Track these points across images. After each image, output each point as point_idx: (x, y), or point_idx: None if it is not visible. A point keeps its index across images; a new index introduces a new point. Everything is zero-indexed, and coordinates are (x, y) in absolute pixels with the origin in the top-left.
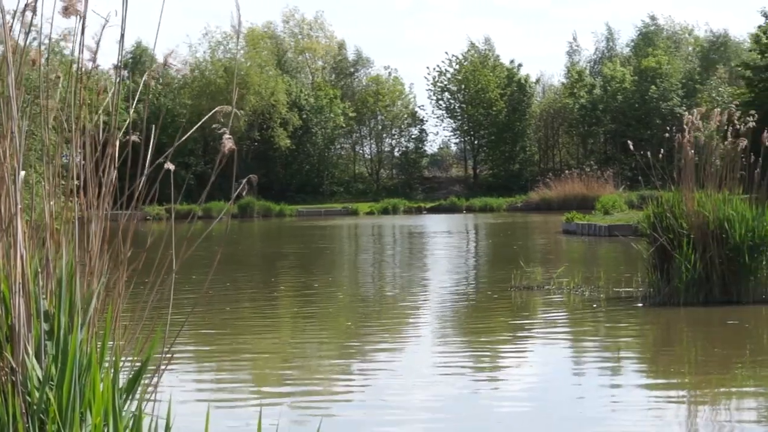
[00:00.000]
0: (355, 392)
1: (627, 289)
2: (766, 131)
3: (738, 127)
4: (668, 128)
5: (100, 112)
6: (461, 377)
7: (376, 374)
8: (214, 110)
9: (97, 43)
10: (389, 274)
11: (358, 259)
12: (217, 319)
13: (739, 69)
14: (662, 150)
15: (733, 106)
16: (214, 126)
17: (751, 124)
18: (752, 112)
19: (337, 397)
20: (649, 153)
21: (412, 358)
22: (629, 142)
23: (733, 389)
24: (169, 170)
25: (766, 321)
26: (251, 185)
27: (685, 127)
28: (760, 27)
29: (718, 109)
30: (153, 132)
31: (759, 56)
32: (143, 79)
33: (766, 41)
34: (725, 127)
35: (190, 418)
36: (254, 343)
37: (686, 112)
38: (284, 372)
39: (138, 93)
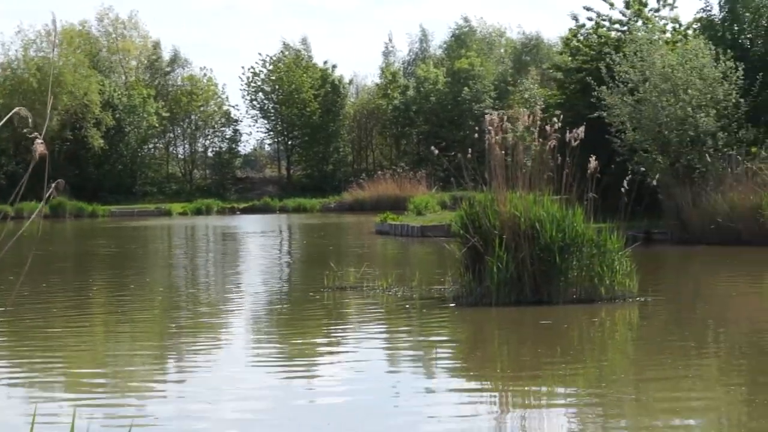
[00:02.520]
0: (168, 392)
1: (440, 290)
2: (568, 132)
3: (548, 128)
4: (477, 129)
5: None
6: (275, 378)
7: (192, 373)
8: (12, 111)
9: None
10: (203, 275)
11: (172, 260)
12: (29, 320)
13: (551, 71)
14: (470, 151)
15: (539, 106)
16: (25, 130)
17: (557, 125)
18: (558, 112)
19: (151, 396)
20: (460, 154)
21: (226, 360)
22: (433, 148)
23: (544, 388)
24: None
25: (577, 321)
26: (60, 189)
27: (489, 128)
28: (570, 30)
29: (525, 110)
30: None
31: (570, 59)
32: None
33: (576, 44)
34: (535, 128)
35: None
36: (67, 344)
37: (493, 113)
38: (98, 371)
39: None
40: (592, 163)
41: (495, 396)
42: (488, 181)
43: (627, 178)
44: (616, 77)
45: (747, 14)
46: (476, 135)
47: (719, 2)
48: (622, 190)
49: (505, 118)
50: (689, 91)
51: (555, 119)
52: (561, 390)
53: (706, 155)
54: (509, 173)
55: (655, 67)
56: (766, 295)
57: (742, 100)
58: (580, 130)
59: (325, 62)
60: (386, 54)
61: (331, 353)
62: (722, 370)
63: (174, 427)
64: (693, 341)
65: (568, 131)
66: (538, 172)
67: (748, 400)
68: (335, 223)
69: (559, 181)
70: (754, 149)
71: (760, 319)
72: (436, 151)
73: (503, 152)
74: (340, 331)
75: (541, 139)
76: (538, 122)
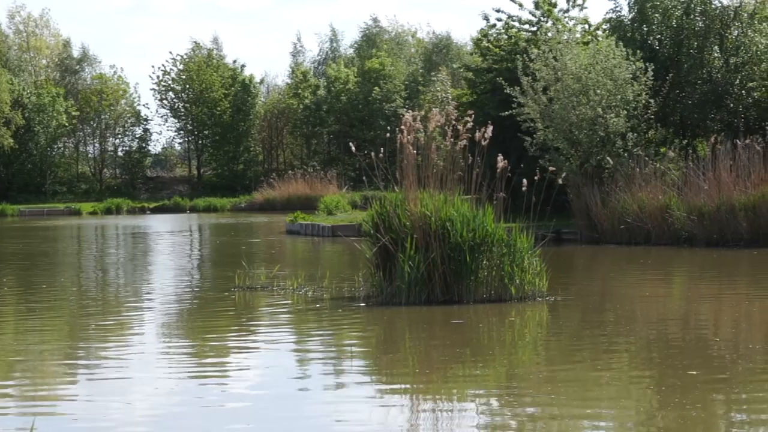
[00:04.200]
0: (78, 393)
1: (351, 289)
2: (478, 132)
3: (459, 127)
4: (389, 129)
5: None
6: (186, 377)
7: (101, 374)
8: None
9: None
10: (112, 275)
11: (81, 259)
12: None
13: (461, 71)
14: (382, 150)
15: (452, 106)
16: None
17: (469, 124)
18: (470, 112)
19: (62, 397)
20: (373, 154)
21: (136, 360)
22: (351, 144)
23: (456, 388)
24: None
25: (488, 320)
26: None
27: (403, 127)
28: (480, 30)
29: (437, 110)
30: None
31: (480, 59)
32: None
33: (486, 44)
34: (446, 128)
35: None
36: None
37: (408, 113)
38: (5, 372)
39: None
40: (500, 162)
41: (406, 396)
42: (399, 180)
43: (535, 177)
44: (530, 76)
45: (656, 15)
46: (388, 134)
47: (628, 3)
48: (524, 189)
49: (419, 117)
50: (599, 91)
51: (467, 119)
52: (472, 389)
53: (616, 155)
54: (420, 173)
55: (568, 68)
56: (675, 294)
57: (651, 100)
58: (489, 130)
59: (235, 61)
60: (295, 54)
61: (242, 353)
62: (632, 368)
63: (84, 426)
64: (603, 340)
65: (478, 130)
66: (449, 171)
67: (658, 399)
68: (246, 223)
69: (469, 181)
70: (663, 149)
71: (669, 318)
72: (354, 148)
73: (415, 152)
74: (250, 331)
75: (452, 139)
76: (453, 122)
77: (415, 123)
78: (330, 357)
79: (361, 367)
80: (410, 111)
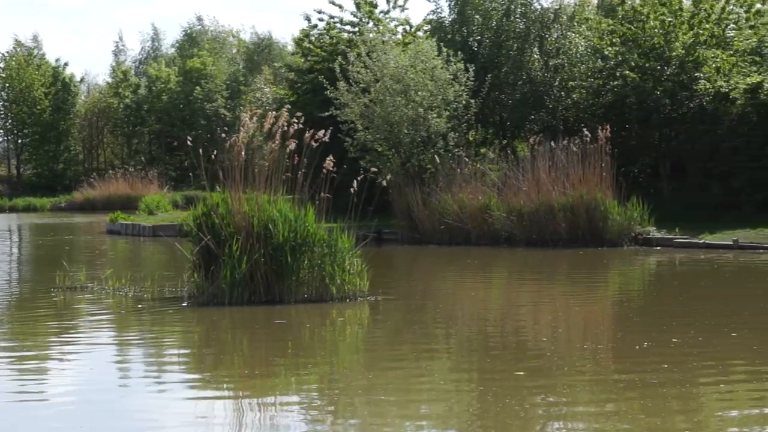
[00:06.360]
0: None
1: (173, 289)
2: (307, 132)
3: (291, 129)
4: (215, 129)
5: None
6: (5, 379)
7: None
8: None
9: None
10: None
11: None
12: None
13: (283, 71)
14: (211, 151)
15: (285, 109)
16: None
17: (298, 126)
18: (299, 114)
19: None
20: (200, 151)
21: None
22: (176, 142)
23: (278, 387)
24: None
25: (308, 320)
26: None
27: (241, 128)
28: (302, 30)
29: (273, 113)
30: None
31: (302, 59)
32: None
33: (308, 45)
34: (277, 129)
35: None
36: None
37: (241, 113)
38: None
39: None
40: (328, 162)
41: (229, 396)
42: (223, 181)
43: (359, 178)
44: (350, 77)
45: (477, 17)
46: (209, 135)
47: (449, 5)
48: (352, 190)
49: (248, 118)
50: (420, 92)
51: (295, 120)
52: (294, 389)
53: (437, 155)
54: (245, 173)
55: (388, 68)
56: (494, 293)
57: (472, 101)
58: (321, 133)
59: (57, 60)
60: (116, 53)
61: (63, 354)
62: (452, 366)
63: None
64: (423, 339)
65: (307, 131)
66: (274, 172)
67: (478, 394)
68: (66, 223)
69: (293, 181)
70: (483, 150)
71: (488, 318)
72: (190, 142)
73: (240, 152)
74: (71, 331)
75: (279, 140)
76: (284, 123)
77: (252, 123)
78: (152, 357)
79: (183, 367)
80: (246, 112)
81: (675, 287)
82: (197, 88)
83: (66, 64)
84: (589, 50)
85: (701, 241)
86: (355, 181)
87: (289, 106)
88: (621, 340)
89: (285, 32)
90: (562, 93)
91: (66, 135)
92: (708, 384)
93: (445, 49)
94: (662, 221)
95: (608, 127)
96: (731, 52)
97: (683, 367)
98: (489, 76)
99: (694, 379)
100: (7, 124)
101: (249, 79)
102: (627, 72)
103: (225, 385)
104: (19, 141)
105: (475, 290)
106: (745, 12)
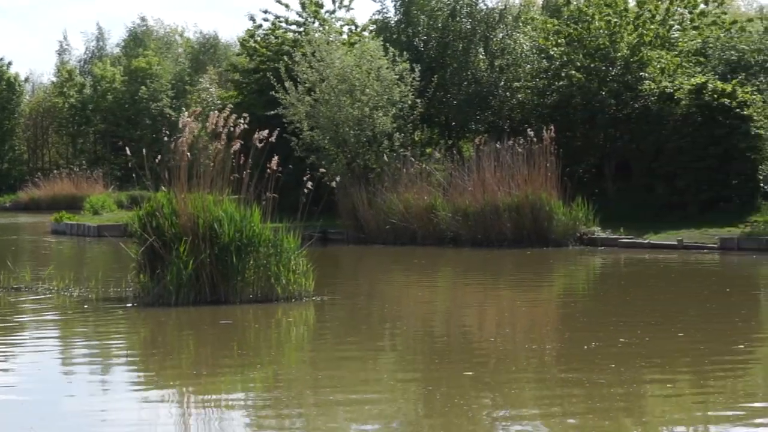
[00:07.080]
0: None
1: (118, 290)
2: (257, 133)
3: (237, 129)
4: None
5: None
6: None
7: None
8: None
9: None
10: None
11: None
12: None
13: (229, 71)
14: (156, 150)
15: (228, 108)
16: None
17: (244, 126)
18: (245, 115)
19: None
20: (144, 152)
21: None
22: (121, 142)
23: (224, 388)
24: None
25: (254, 320)
26: None
27: (183, 129)
28: (247, 30)
29: (217, 113)
30: None
31: (247, 59)
32: None
33: (253, 44)
34: (223, 129)
35: None
36: None
37: (183, 114)
38: None
39: None
40: (274, 162)
41: (174, 396)
42: (168, 181)
43: (306, 177)
44: (295, 77)
45: (422, 17)
46: (154, 135)
47: (394, 5)
48: (305, 190)
49: (193, 118)
50: (366, 91)
51: (241, 120)
52: (240, 389)
53: (383, 155)
54: (191, 173)
55: (333, 68)
56: (439, 293)
57: (418, 101)
58: (265, 133)
59: (1, 59)
60: (61, 52)
61: (6, 354)
62: (399, 366)
63: None
64: (369, 339)
65: (256, 132)
66: (219, 172)
67: (422, 394)
68: (11, 223)
69: (239, 181)
70: (429, 150)
71: (434, 318)
72: (122, 143)
73: (186, 152)
74: (15, 332)
75: (225, 140)
76: (231, 124)
77: (195, 124)
78: (98, 357)
79: (129, 367)
80: (188, 112)
81: (621, 287)
82: (142, 87)
83: (10, 64)
84: (534, 50)
85: (646, 241)
86: (309, 182)
87: (232, 106)
88: (568, 340)
89: (231, 32)
90: (508, 93)
91: (10, 134)
92: (655, 383)
93: (390, 49)
94: (607, 221)
95: (553, 127)
96: (676, 52)
97: (630, 366)
98: (435, 76)
99: (641, 379)
100: None
101: (194, 78)
102: (572, 72)
103: (171, 386)
104: None
105: (421, 290)
106: (690, 13)
